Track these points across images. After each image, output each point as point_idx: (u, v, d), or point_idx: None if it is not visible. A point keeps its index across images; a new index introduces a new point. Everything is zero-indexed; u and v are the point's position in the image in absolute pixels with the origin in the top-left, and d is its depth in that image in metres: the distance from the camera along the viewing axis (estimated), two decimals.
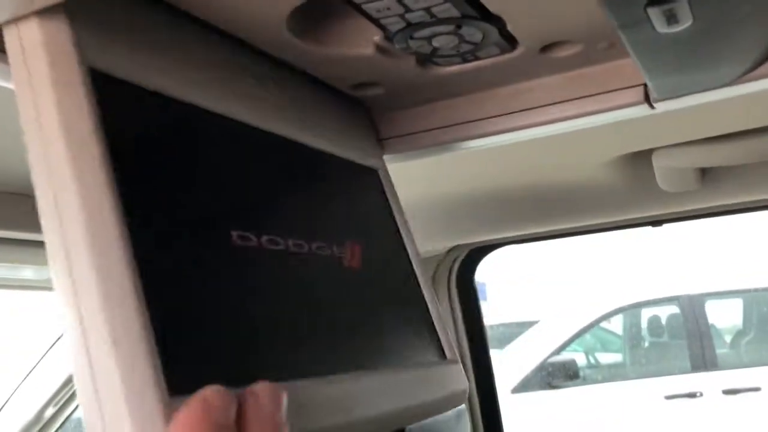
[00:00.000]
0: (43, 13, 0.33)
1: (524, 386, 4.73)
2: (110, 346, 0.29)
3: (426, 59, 0.49)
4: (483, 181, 0.99)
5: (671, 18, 0.34)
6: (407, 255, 0.55)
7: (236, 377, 0.32)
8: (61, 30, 0.33)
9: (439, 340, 0.53)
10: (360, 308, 0.47)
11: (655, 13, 0.34)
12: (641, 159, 0.92)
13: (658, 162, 0.93)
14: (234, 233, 0.38)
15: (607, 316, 5.23)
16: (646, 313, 5.24)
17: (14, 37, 0.33)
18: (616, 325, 5.35)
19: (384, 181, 0.56)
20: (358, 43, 0.46)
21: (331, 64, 0.48)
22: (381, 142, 0.58)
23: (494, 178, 0.98)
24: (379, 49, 0.46)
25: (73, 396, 1.67)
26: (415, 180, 0.98)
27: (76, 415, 1.76)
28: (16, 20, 0.33)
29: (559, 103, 0.52)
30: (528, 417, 4.57)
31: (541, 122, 0.53)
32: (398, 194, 1.03)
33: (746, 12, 0.36)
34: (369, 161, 0.55)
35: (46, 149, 0.32)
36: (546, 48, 0.47)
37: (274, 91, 0.46)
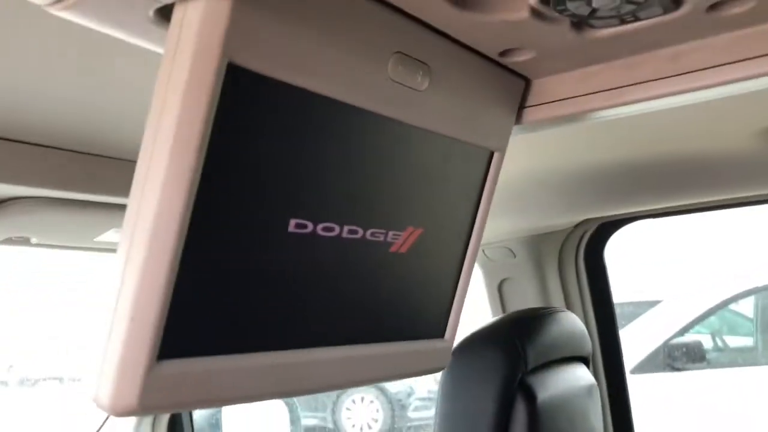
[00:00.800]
0: None
1: (644, 367, 4.56)
2: (130, 308, 0.34)
3: (582, 21, 0.47)
4: (617, 151, 0.95)
5: None
6: (466, 241, 0.57)
7: (232, 349, 0.40)
8: (219, 17, 0.34)
9: (447, 321, 0.57)
10: (386, 291, 0.50)
11: None
12: None
13: None
14: (293, 221, 0.41)
15: (737, 298, 4.94)
16: None
17: (179, 15, 0.35)
18: (747, 307, 5.04)
19: (494, 163, 0.57)
20: (513, 7, 0.45)
21: (483, 30, 0.47)
22: (521, 111, 0.57)
23: (630, 147, 0.94)
24: (534, 12, 0.45)
25: None
26: (543, 151, 0.95)
27: None
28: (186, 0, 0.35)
29: (726, 65, 0.48)
30: (647, 399, 4.41)
31: (703, 86, 0.50)
32: (531, 166, 1.01)
33: None
34: (489, 141, 0.55)
35: (159, 123, 0.35)
36: (714, 5, 0.44)
37: (413, 70, 0.46)
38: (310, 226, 0.42)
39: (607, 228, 1.31)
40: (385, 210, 0.48)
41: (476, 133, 0.53)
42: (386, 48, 0.44)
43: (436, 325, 0.57)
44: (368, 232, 0.47)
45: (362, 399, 6.23)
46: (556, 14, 0.45)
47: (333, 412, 6.23)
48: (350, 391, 6.25)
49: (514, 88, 0.56)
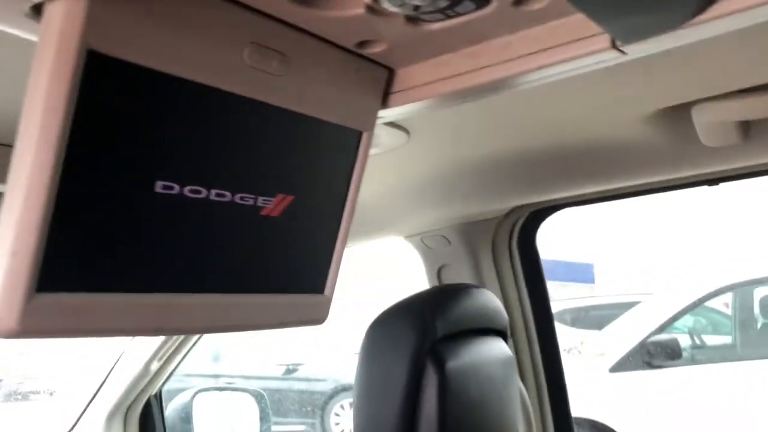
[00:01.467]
0: None
1: (623, 365, 4.65)
2: (10, 245, 0.43)
3: (413, 17, 0.56)
4: (524, 139, 1.03)
5: None
6: (340, 211, 0.65)
7: (106, 288, 0.48)
8: (78, 10, 0.43)
9: (326, 278, 0.66)
10: (258, 248, 0.59)
11: None
12: (681, 114, 0.94)
13: (698, 117, 0.94)
14: (159, 183, 0.50)
15: (714, 294, 5.03)
16: (760, 292, 5.00)
17: (48, 9, 0.44)
18: (725, 304, 5.13)
19: (363, 142, 0.65)
20: (349, 4, 0.53)
21: (331, 24, 0.56)
22: (386, 98, 0.65)
23: (533, 135, 1.02)
24: (369, 8, 0.53)
25: (176, 352, 1.87)
26: (467, 140, 1.04)
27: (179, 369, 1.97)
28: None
29: (536, 53, 0.57)
30: (626, 396, 4.48)
31: (524, 71, 0.58)
32: (451, 156, 1.09)
33: None
34: (356, 122, 0.64)
35: (31, 109, 0.44)
36: (518, 1, 0.53)
37: (268, 58, 0.54)
38: (177, 188, 0.51)
39: (539, 215, 1.39)
40: (253, 178, 0.56)
41: (342, 115, 0.62)
42: (240, 38, 0.52)
43: (315, 281, 0.65)
44: (237, 196, 0.55)
45: (351, 404, 6.29)
46: (389, 10, 0.54)
47: (322, 418, 6.29)
48: (339, 396, 6.31)
49: (378, 75, 0.64)
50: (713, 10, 0.50)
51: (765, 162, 1.05)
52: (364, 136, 0.65)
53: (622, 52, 0.55)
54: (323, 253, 0.65)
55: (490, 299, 1.07)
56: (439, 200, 1.25)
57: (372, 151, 0.69)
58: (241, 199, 0.56)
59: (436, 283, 1.40)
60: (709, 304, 5.01)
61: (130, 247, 0.49)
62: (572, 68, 0.58)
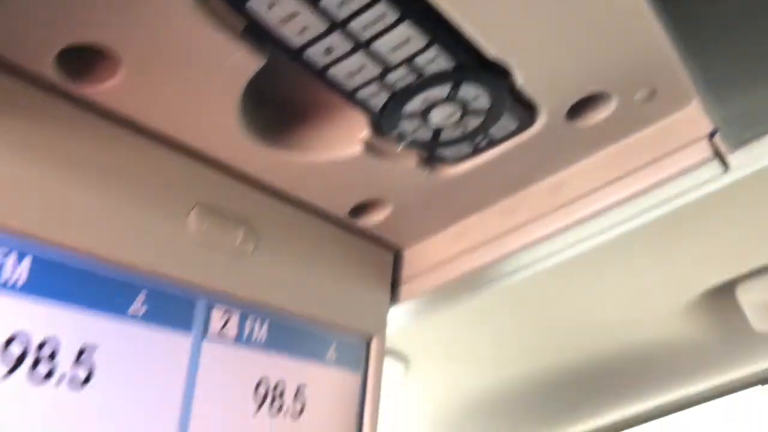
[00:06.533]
0: None
1: None
2: None
3: (431, 155, 0.40)
4: (560, 353, 0.85)
5: None
6: None
7: None
8: None
9: None
10: None
11: None
12: (727, 296, 0.79)
13: (745, 297, 0.78)
14: None
15: None
16: None
17: None
18: None
19: (375, 350, 0.45)
20: (340, 143, 0.37)
21: (314, 179, 0.39)
22: (396, 289, 0.47)
23: (572, 347, 0.84)
24: (370, 147, 0.38)
25: None
26: (480, 363, 0.84)
27: None
28: None
29: (607, 185, 0.41)
30: None
31: (586, 216, 0.42)
32: (462, 386, 0.88)
33: None
34: (360, 329, 0.44)
35: None
36: (574, 111, 0.38)
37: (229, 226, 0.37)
38: None
39: None
40: None
41: (342, 313, 0.43)
42: (182, 198, 0.35)
43: None
44: None
45: None
46: (395, 144, 0.38)
47: None
48: None
49: (381, 259, 0.47)
50: None
51: None
52: (375, 342, 0.45)
53: (725, 164, 0.39)
54: None
55: None
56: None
57: None
58: None
59: None
60: None
61: None
62: (656, 199, 0.41)
